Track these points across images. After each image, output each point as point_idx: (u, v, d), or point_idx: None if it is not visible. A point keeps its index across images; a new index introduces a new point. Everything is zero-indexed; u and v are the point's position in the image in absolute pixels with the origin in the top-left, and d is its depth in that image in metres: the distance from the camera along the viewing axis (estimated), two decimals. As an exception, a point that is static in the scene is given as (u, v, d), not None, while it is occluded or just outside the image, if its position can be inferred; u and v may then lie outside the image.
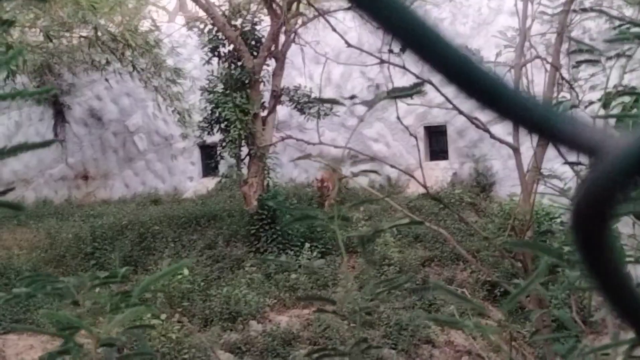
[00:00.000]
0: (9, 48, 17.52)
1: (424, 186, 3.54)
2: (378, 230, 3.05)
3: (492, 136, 4.77)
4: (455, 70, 0.65)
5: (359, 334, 2.75)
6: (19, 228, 21.60)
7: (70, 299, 2.24)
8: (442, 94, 5.27)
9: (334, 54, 24.33)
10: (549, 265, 2.43)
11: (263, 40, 19.94)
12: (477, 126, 4.84)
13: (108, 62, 21.53)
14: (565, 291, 3.20)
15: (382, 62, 5.02)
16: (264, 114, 19.89)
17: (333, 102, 3.60)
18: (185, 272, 15.79)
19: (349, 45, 5.81)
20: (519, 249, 4.32)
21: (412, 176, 3.60)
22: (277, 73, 20.02)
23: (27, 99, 23.76)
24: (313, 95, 19.93)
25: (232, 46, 19.82)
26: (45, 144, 1.91)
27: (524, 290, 2.40)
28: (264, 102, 20.03)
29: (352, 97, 3.54)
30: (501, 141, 5.01)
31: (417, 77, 5.75)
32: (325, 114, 19.52)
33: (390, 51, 4.89)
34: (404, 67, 4.90)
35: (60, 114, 28.39)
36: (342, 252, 2.74)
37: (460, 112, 4.27)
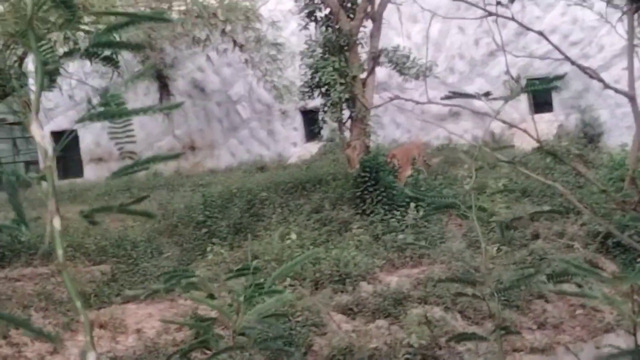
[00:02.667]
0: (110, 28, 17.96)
1: (538, 140, 3.53)
2: (517, 217, 3.02)
3: (607, 85, 4.66)
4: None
5: (499, 317, 2.76)
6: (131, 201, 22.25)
7: (207, 292, 2.37)
8: (552, 44, 5.19)
9: (432, 10, 24.06)
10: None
11: (359, 1, 19.88)
12: (591, 76, 4.75)
13: (209, 38, 21.85)
14: None
15: (489, 14, 4.98)
16: (363, 76, 19.88)
17: (468, 96, 3.59)
18: (293, 236, 16.02)
19: (455, -2, 5.76)
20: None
21: (525, 131, 3.59)
22: (375, 34, 19.95)
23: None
24: (412, 56, 19.79)
25: (328, 10, 19.84)
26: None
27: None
28: (362, 64, 20.01)
29: (487, 93, 3.54)
30: (616, 90, 4.89)
31: (525, 27, 5.69)
32: (425, 75, 19.35)
33: (499, 3, 4.84)
34: (512, 19, 4.85)
35: (164, 87, 29.00)
36: (482, 242, 2.74)
37: (572, 62, 4.21)
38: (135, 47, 1.96)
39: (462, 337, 3.03)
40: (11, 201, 1.46)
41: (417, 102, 4.40)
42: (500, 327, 2.54)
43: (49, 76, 1.49)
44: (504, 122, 3.87)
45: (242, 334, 2.30)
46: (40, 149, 1.42)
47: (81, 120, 1.47)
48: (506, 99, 2.68)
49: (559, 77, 2.70)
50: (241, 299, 2.35)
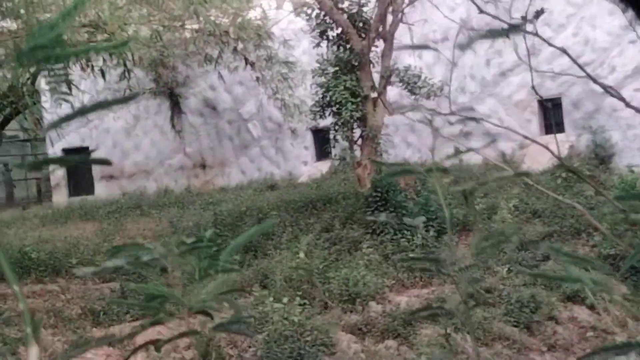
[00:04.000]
0: (124, 43, 18.06)
1: (559, 158, 3.48)
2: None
3: (628, 104, 4.61)
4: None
5: (465, 291, 2.67)
6: (142, 218, 22.32)
7: (158, 267, 2.27)
8: (575, 62, 5.16)
9: (442, 31, 24.07)
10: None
11: (370, 21, 19.94)
12: (612, 94, 4.70)
13: (220, 56, 21.93)
14: None
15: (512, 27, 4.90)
16: (374, 95, 19.90)
17: (424, 47, 3.56)
18: (302, 255, 15.97)
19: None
20: None
21: (546, 147, 3.53)
22: (386, 54, 19.98)
23: (143, 92, 24.45)
24: (423, 76, 19.80)
25: (340, 29, 19.91)
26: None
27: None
28: (373, 84, 20.03)
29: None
30: (638, 110, 4.82)
31: (547, 42, 5.64)
32: (436, 95, 19.36)
33: (524, 18, 4.81)
34: (536, 34, 4.81)
35: (176, 106, 29.10)
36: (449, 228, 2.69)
37: (594, 81, 4.17)
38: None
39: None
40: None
41: (441, 114, 4.34)
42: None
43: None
44: (525, 137, 3.81)
45: (201, 312, 2.21)
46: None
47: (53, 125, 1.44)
48: (463, 47, 2.55)
49: (530, 19, 2.63)
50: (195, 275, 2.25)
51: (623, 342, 1.91)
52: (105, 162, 1.70)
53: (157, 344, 2.32)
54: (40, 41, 1.37)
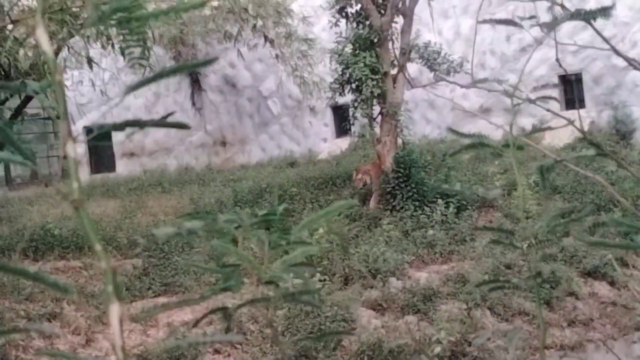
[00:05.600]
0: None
1: (582, 132, 3.47)
2: (559, 160, 2.86)
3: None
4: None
5: (535, 267, 2.73)
6: (163, 195, 22.43)
7: (228, 237, 2.29)
8: (601, 36, 5.13)
9: (463, 6, 23.95)
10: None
11: (390, -3, 19.86)
12: (635, 67, 4.68)
13: (240, 33, 21.95)
14: None
15: None
16: (394, 72, 19.83)
17: (508, 22, 3.48)
18: (321, 231, 16.02)
19: None
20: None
21: (570, 122, 3.52)
22: (406, 30, 19.88)
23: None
24: (443, 52, 19.69)
25: (359, 6, 19.83)
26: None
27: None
28: (393, 60, 19.96)
29: (532, 17, 3.43)
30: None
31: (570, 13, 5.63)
32: (455, 71, 19.24)
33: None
34: (561, 5, 4.79)
35: (196, 83, 29.20)
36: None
37: (617, 53, 4.17)
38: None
39: (495, 285, 2.98)
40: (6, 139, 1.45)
41: (462, 86, 4.32)
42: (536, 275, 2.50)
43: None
44: (549, 110, 3.79)
45: (269, 282, 2.23)
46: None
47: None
48: (550, 26, 2.55)
49: (610, 7, 2.61)
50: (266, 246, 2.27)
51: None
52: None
53: (226, 310, 2.36)
54: (121, 3, 1.43)
